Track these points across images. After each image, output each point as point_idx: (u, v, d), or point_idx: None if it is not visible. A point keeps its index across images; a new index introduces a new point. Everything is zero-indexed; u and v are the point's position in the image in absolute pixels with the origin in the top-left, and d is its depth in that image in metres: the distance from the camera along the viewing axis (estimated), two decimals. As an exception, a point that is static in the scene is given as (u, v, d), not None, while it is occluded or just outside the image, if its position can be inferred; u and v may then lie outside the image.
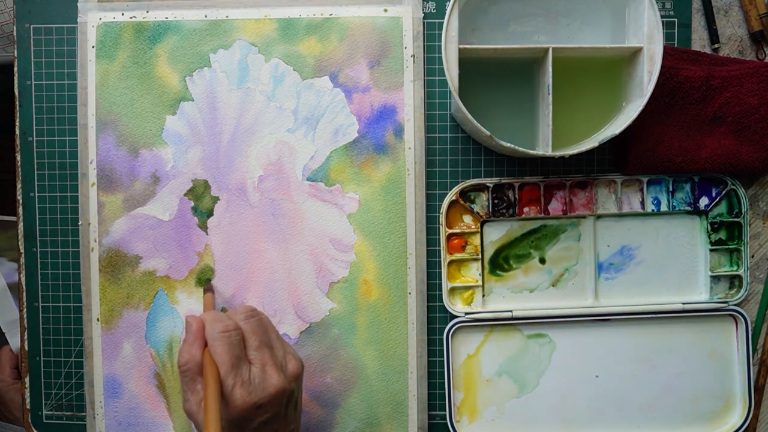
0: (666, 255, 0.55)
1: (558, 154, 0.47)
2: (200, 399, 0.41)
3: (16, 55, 0.55)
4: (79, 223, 0.54)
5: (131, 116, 0.54)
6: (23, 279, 0.56)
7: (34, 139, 0.55)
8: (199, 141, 0.54)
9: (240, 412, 0.41)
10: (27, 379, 0.56)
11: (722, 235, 0.55)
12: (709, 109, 0.51)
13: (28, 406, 0.56)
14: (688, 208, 0.54)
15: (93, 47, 0.54)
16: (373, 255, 0.54)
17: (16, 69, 0.55)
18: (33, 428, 0.56)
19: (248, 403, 0.41)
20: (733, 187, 0.54)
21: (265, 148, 0.54)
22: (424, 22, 0.54)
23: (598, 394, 0.55)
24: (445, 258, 0.54)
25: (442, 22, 0.50)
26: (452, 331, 0.54)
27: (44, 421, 0.56)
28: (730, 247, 0.54)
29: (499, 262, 0.55)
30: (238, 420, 0.41)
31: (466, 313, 0.54)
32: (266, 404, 0.42)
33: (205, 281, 0.54)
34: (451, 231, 0.54)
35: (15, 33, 0.55)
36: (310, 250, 0.54)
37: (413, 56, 0.53)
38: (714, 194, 0.54)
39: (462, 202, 0.54)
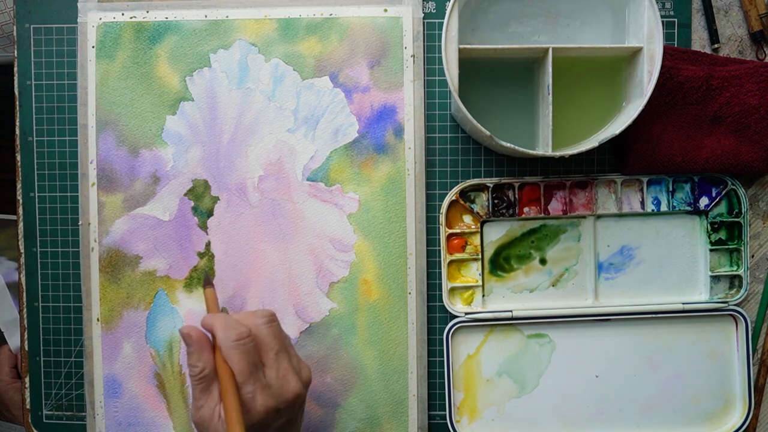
0: (666, 255, 0.55)
1: (558, 154, 0.47)
2: (216, 404, 0.41)
3: (16, 55, 0.55)
4: (79, 223, 0.54)
5: (131, 116, 0.54)
6: (23, 279, 0.56)
7: (34, 139, 0.55)
8: (199, 141, 0.54)
9: (260, 417, 0.41)
10: (27, 379, 0.56)
11: (722, 235, 0.55)
12: (709, 109, 0.51)
13: (28, 406, 0.56)
14: (688, 208, 0.54)
15: (93, 47, 0.54)
16: (373, 255, 0.54)
17: (16, 69, 0.55)
18: (33, 428, 0.56)
19: (270, 408, 0.41)
20: (733, 187, 0.54)
21: (265, 148, 0.54)
22: (424, 22, 0.54)
23: (598, 394, 0.55)
24: (445, 258, 0.54)
25: (442, 22, 0.50)
26: (452, 331, 0.54)
27: (44, 421, 0.56)
28: (730, 247, 0.54)
29: (500, 263, 0.55)
30: (257, 425, 0.41)
31: (466, 313, 0.54)
32: (284, 409, 0.42)
33: (203, 275, 0.52)
34: (451, 231, 0.54)
35: (15, 33, 0.55)
36: (310, 250, 0.54)
37: (413, 56, 0.53)
38: (714, 194, 0.54)
39: (462, 202, 0.54)
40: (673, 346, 0.55)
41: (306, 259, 0.54)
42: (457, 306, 0.54)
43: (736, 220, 0.54)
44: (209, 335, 0.43)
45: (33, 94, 0.55)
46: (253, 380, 0.40)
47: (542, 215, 0.54)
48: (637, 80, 0.48)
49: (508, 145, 0.47)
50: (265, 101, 0.54)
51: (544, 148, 0.48)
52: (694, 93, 0.51)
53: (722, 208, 0.54)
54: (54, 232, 0.55)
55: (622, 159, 0.53)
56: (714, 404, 0.55)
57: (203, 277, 0.51)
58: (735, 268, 0.55)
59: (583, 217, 0.54)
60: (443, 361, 0.55)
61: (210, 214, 0.54)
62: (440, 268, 0.54)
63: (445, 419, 0.54)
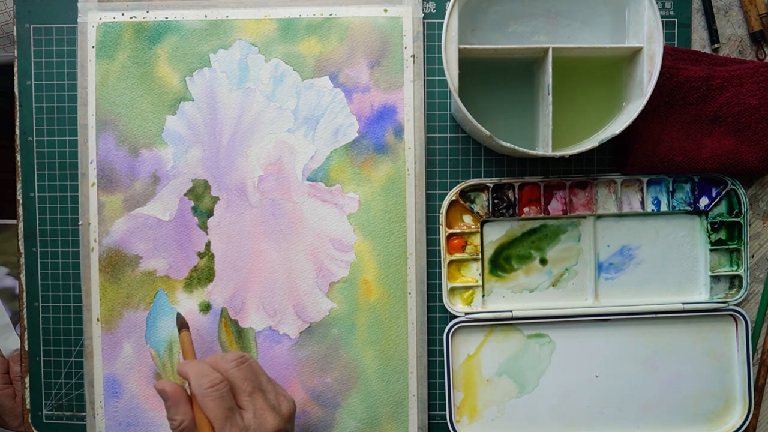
0: (666, 255, 0.55)
1: (558, 154, 0.47)
2: None
3: (16, 55, 0.55)
4: (79, 223, 0.54)
5: (131, 116, 0.54)
6: (23, 279, 0.56)
7: (34, 139, 0.55)
8: (199, 141, 0.54)
9: None
10: (27, 379, 0.56)
11: (722, 235, 0.55)
12: (709, 109, 0.51)
13: (28, 406, 0.56)
14: (688, 208, 0.54)
15: (93, 47, 0.54)
16: (373, 255, 0.54)
17: (16, 69, 0.55)
18: (33, 428, 0.56)
19: None
20: (733, 187, 0.54)
21: (265, 148, 0.54)
22: (424, 22, 0.54)
23: (598, 394, 0.55)
24: (445, 258, 0.54)
25: (442, 22, 0.50)
26: (452, 331, 0.54)
27: (44, 421, 0.56)
28: (730, 247, 0.54)
29: (500, 263, 0.55)
30: None
31: (466, 313, 0.54)
32: None
33: (177, 318, 0.51)
34: (451, 231, 0.54)
35: (15, 33, 0.55)
36: (310, 250, 0.54)
37: (413, 56, 0.53)
38: (714, 194, 0.54)
39: (462, 202, 0.54)
40: (673, 346, 0.55)
41: (306, 259, 0.54)
42: (457, 306, 0.54)
43: (736, 220, 0.54)
44: (186, 385, 0.43)
45: (33, 94, 0.55)
46: (230, 424, 0.41)
47: (542, 215, 0.54)
48: (637, 80, 0.48)
49: (508, 145, 0.47)
50: (265, 101, 0.54)
51: (544, 148, 0.48)
52: (694, 93, 0.51)
53: (722, 208, 0.54)
54: (54, 232, 0.55)
55: (622, 159, 0.53)
56: (714, 404, 0.55)
57: (177, 320, 0.51)
58: (735, 268, 0.55)
59: (583, 217, 0.54)
60: (443, 361, 0.55)
61: (210, 214, 0.54)
62: (440, 268, 0.54)
63: (445, 419, 0.54)
